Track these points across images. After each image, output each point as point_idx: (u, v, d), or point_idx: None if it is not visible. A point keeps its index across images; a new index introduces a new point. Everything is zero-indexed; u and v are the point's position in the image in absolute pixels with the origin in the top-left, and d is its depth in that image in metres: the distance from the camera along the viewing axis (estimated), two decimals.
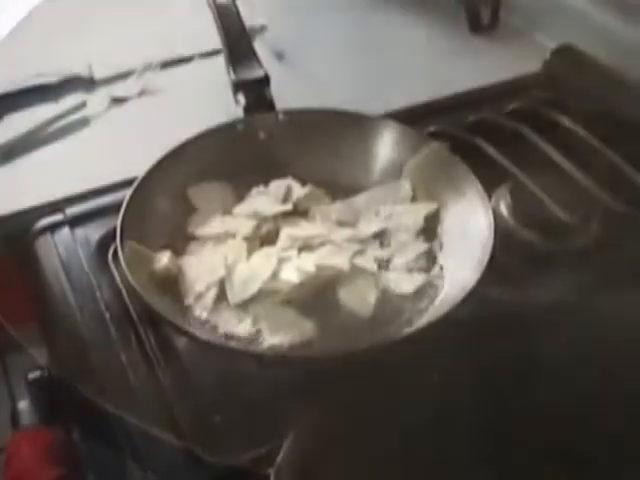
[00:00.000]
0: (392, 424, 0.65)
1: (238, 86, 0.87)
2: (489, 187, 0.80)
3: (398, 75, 1.12)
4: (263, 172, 0.85)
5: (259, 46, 0.97)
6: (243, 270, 0.74)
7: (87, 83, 1.09)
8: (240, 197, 0.84)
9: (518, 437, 0.65)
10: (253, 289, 0.72)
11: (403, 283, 0.75)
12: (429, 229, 0.81)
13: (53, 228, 0.87)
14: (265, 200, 0.81)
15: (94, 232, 0.85)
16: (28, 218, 0.89)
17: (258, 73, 0.88)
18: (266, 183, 0.84)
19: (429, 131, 0.91)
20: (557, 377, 0.68)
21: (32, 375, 0.86)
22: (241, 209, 0.81)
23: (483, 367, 0.69)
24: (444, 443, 0.65)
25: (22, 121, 1.02)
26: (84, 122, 1.03)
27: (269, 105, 0.87)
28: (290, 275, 0.72)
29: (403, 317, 0.73)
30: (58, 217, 0.88)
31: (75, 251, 0.84)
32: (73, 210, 0.88)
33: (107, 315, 0.77)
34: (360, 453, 0.63)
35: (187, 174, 0.83)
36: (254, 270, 0.74)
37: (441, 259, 0.78)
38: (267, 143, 0.87)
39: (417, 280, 0.76)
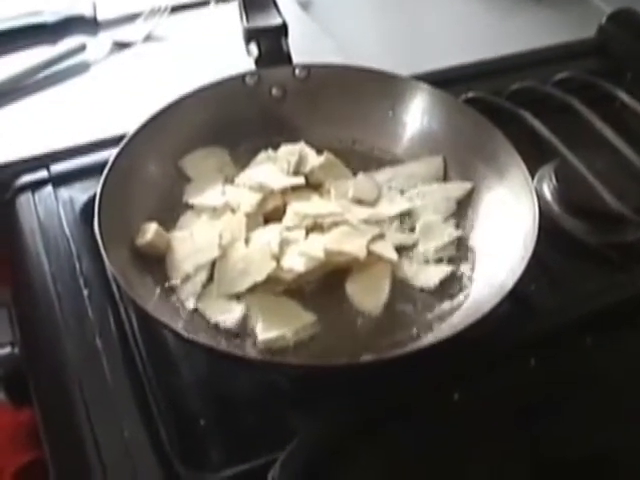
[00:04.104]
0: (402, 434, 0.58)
1: (251, 34, 0.80)
2: (531, 166, 0.73)
3: (434, 35, 1.08)
4: (273, 135, 0.78)
5: None
6: (238, 258, 0.66)
7: (89, 24, 1.02)
8: (244, 163, 0.76)
9: None
10: (246, 284, 0.65)
11: (425, 275, 0.68)
12: (461, 213, 0.74)
13: (35, 186, 0.81)
14: (273, 170, 0.74)
15: (80, 194, 0.79)
16: (10, 172, 0.82)
17: (275, 21, 0.81)
18: (275, 148, 0.77)
19: (466, 98, 0.85)
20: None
21: (1, 351, 0.79)
22: (245, 178, 0.73)
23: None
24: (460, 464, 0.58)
25: (14, 64, 0.95)
26: (83, 67, 0.98)
27: (285, 58, 0.81)
28: (294, 263, 0.64)
29: (421, 320, 0.65)
30: (42, 174, 0.82)
31: (56, 214, 0.78)
32: (58, 167, 0.82)
33: (85, 291, 0.71)
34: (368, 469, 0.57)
35: (184, 133, 0.76)
36: (251, 261, 0.66)
37: (473, 249, 0.71)
38: (279, 101, 0.80)
39: (442, 272, 0.68)
